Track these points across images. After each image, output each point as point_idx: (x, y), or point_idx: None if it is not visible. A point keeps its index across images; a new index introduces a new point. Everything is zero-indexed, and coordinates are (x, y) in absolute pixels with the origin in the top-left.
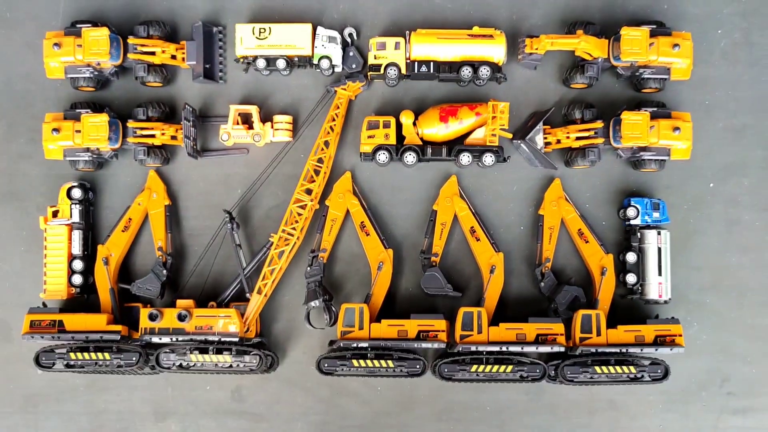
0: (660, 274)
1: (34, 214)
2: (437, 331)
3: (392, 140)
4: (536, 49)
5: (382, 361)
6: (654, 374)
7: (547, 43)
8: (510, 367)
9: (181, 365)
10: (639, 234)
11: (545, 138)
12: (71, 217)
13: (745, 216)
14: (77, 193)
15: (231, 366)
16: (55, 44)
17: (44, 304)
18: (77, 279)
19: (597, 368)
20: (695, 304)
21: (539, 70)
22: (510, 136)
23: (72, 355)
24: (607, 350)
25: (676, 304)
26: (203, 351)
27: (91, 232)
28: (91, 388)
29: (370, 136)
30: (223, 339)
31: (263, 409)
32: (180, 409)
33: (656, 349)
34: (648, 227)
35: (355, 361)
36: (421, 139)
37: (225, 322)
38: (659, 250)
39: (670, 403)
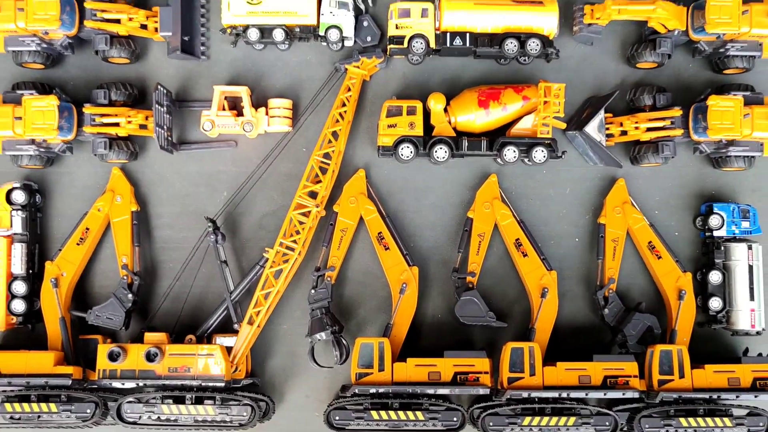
0: (752, 298)
1: None
2: (478, 372)
3: (418, 130)
4: (598, 18)
5: (410, 413)
6: (755, 428)
7: (613, 11)
8: (572, 419)
9: (150, 419)
10: (723, 248)
11: (607, 129)
12: (11, 226)
13: None
14: (20, 196)
15: (214, 419)
16: None
17: None
18: (19, 305)
19: (682, 420)
20: None
21: (596, 46)
22: (563, 125)
23: (8, 406)
24: (694, 396)
25: None
26: (179, 400)
27: (38, 246)
28: None
29: (390, 126)
30: (204, 384)
31: None
32: None
33: (756, 396)
34: (735, 239)
35: (374, 413)
36: (454, 128)
37: (207, 361)
38: (750, 268)
39: None
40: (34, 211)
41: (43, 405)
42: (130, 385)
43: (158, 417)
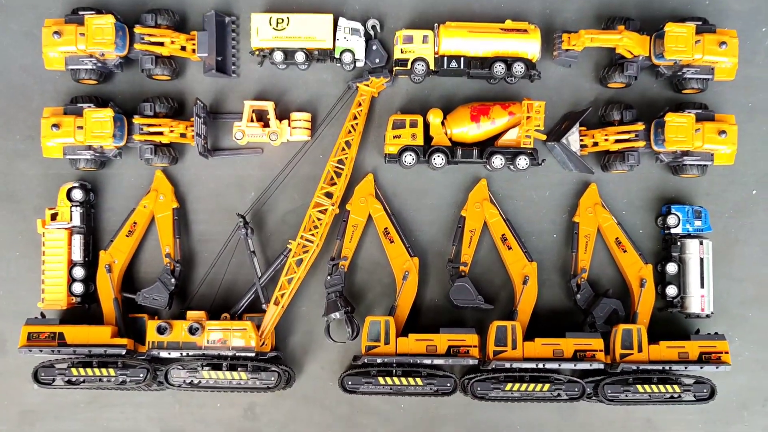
0: (702, 286)
1: (31, 217)
2: (469, 346)
3: (419, 140)
4: (574, 45)
5: (410, 379)
6: (699, 394)
7: (587, 39)
8: (547, 386)
9: (191, 383)
10: (679, 243)
11: (581, 140)
12: (71, 220)
13: None
14: (78, 194)
15: (246, 383)
16: (55, 32)
17: (42, 315)
18: (78, 287)
19: (639, 387)
20: (737, 318)
21: (573, 68)
22: (543, 137)
23: (74, 370)
24: (649, 367)
25: (716, 317)
26: (216, 367)
27: (93, 237)
28: (93, 405)
29: (395, 136)
30: (238, 354)
31: (278, 428)
32: (188, 428)
33: (701, 367)
34: (689, 236)
35: (381, 379)
36: (450, 139)
37: (240, 335)
38: (701, 260)
39: (710, 423)
40: (89, 208)
41: (104, 370)
42: (175, 354)
43: (199, 381)
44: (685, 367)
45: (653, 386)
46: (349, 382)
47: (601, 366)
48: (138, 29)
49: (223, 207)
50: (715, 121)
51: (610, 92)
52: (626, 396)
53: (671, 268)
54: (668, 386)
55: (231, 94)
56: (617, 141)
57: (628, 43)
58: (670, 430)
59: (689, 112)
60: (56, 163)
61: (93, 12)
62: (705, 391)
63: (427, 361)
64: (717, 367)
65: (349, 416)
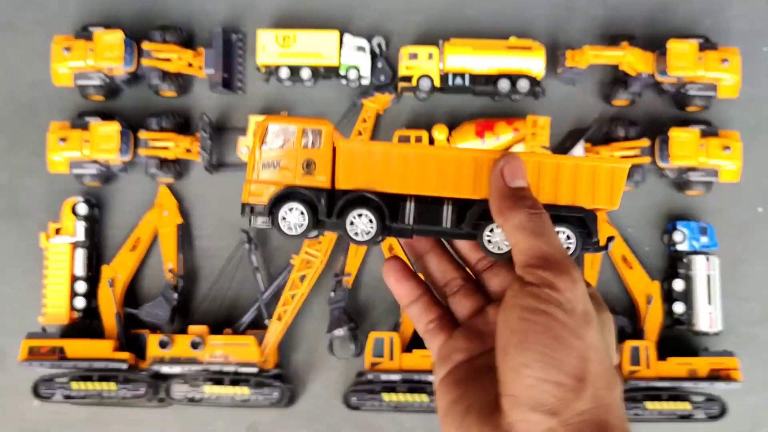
0: (710, 303)
1: (35, 233)
2: None
3: None
4: (578, 62)
5: (415, 395)
6: (710, 411)
7: (591, 56)
8: None
9: (193, 398)
10: (686, 260)
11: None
12: (75, 234)
13: None
14: (82, 209)
15: (249, 399)
16: (65, 48)
17: (44, 329)
18: (80, 302)
19: (648, 404)
20: (745, 338)
21: (577, 85)
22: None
23: (74, 384)
24: (658, 384)
25: (725, 336)
26: (218, 382)
27: (96, 252)
28: (92, 423)
29: None
30: (240, 369)
31: None
32: None
33: (711, 384)
34: (695, 253)
35: (385, 395)
36: None
37: (242, 350)
38: (708, 277)
39: None
40: (93, 222)
41: (104, 384)
42: (177, 369)
43: (201, 398)
44: (695, 384)
45: (663, 403)
46: (353, 399)
47: None
48: (146, 45)
49: (227, 223)
50: (718, 137)
51: (614, 109)
52: (635, 415)
53: (678, 284)
54: (678, 403)
55: (236, 110)
56: (623, 157)
57: (632, 59)
58: None
59: (693, 128)
60: (60, 179)
61: (102, 28)
62: (716, 408)
63: (432, 378)
64: (727, 384)
65: None
